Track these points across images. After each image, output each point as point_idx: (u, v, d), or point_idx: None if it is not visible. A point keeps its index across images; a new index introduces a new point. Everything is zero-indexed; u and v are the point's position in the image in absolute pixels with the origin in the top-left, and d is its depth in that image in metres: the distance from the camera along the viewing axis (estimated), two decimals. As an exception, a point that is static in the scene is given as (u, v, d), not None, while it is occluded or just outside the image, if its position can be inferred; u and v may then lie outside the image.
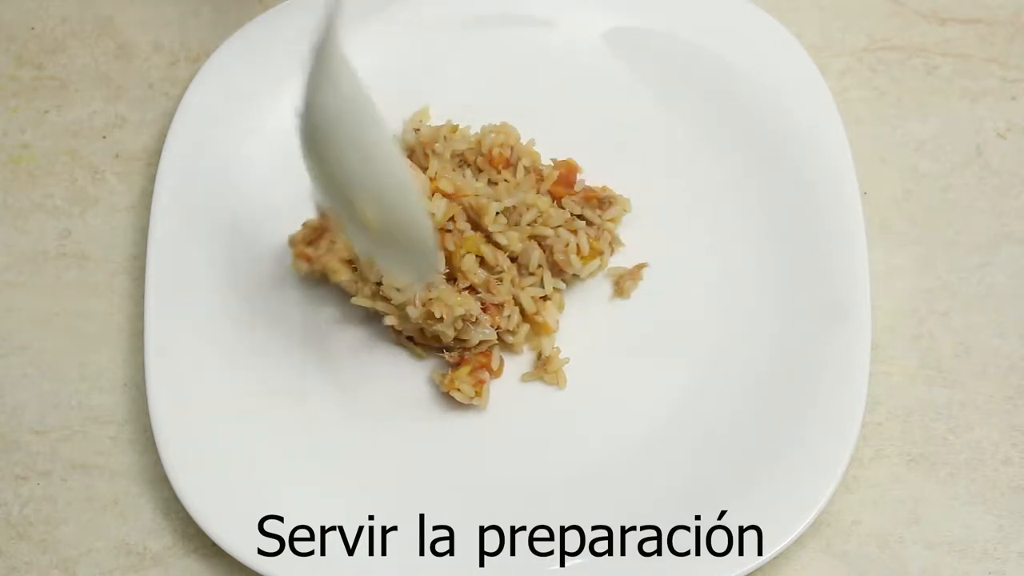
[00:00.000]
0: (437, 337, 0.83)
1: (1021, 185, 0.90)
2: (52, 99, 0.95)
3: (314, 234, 0.85)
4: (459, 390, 0.82)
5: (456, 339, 0.83)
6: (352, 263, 0.84)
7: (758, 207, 0.87)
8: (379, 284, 0.83)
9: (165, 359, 0.83)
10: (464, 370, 0.82)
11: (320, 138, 0.71)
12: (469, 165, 0.88)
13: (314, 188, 0.74)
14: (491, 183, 0.87)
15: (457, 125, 0.89)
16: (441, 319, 0.81)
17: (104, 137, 0.93)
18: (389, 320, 0.83)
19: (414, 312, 0.81)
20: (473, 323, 0.82)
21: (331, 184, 0.73)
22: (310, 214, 0.88)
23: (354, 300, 0.84)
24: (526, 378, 0.85)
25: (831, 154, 0.87)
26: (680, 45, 0.91)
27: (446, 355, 0.84)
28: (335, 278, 0.84)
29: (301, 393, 0.84)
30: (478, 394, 0.82)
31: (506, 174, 0.87)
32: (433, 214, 0.83)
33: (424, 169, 0.87)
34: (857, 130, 0.91)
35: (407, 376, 0.85)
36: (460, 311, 0.81)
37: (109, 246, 0.90)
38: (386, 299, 0.83)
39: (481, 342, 0.83)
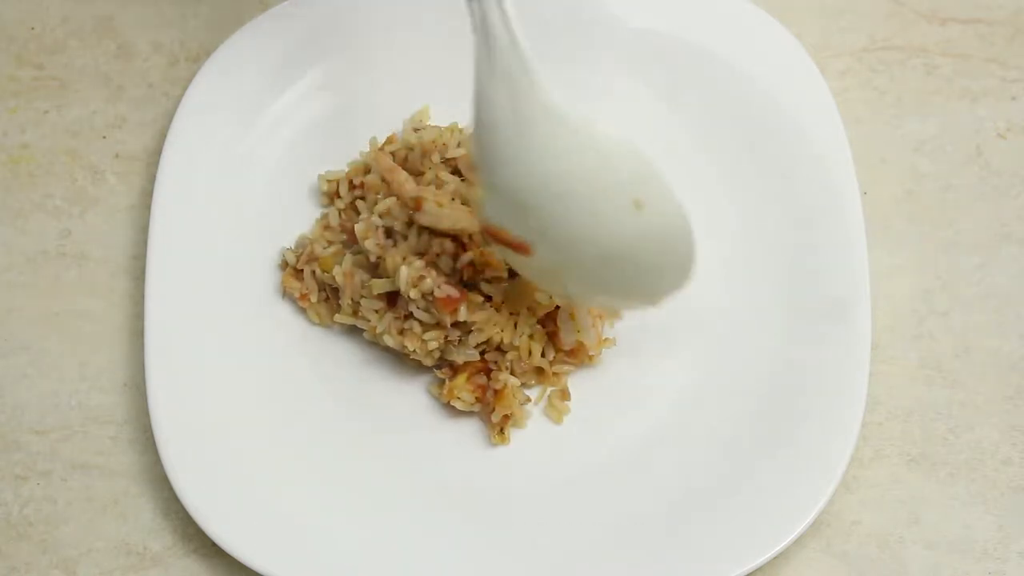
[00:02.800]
0: None
1: (1021, 185, 0.90)
2: (52, 99, 0.95)
3: (303, 260, 0.85)
4: (459, 399, 0.82)
5: (442, 358, 0.83)
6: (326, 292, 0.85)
7: (758, 207, 0.87)
8: (359, 303, 0.83)
9: (165, 359, 0.83)
10: (461, 378, 0.82)
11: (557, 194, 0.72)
12: (460, 174, 0.87)
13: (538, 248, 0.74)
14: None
15: (464, 128, 0.88)
16: (415, 351, 0.82)
17: (104, 137, 0.93)
18: (368, 336, 0.84)
19: (390, 341, 0.82)
20: (456, 345, 0.82)
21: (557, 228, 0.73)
22: (308, 214, 0.89)
23: (337, 318, 0.84)
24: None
25: (831, 154, 0.87)
26: (680, 45, 0.91)
27: (436, 372, 0.84)
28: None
29: (301, 393, 0.84)
30: (479, 400, 0.82)
31: None
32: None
33: (420, 174, 0.86)
34: (857, 130, 0.91)
35: (408, 375, 0.85)
36: (434, 344, 0.81)
37: (109, 246, 0.90)
38: (366, 319, 0.83)
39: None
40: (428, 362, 0.82)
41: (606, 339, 0.84)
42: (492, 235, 0.75)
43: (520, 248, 0.74)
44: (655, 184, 0.72)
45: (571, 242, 0.73)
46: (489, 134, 0.72)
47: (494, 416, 0.82)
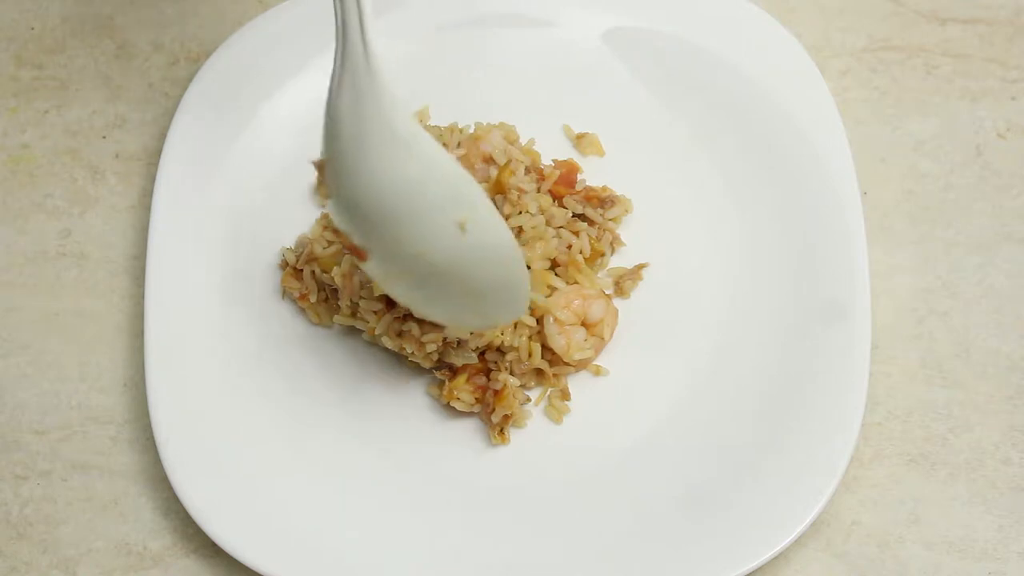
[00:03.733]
0: None
1: (1021, 185, 0.90)
2: (52, 99, 0.95)
3: (303, 260, 0.85)
4: (459, 399, 0.82)
5: (440, 360, 0.83)
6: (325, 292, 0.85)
7: (758, 207, 0.87)
8: (357, 304, 0.83)
9: (165, 359, 0.83)
10: (461, 379, 0.82)
11: (396, 205, 0.72)
12: None
13: (377, 258, 0.74)
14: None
15: (464, 128, 0.88)
16: (413, 353, 0.82)
17: (104, 137, 0.93)
18: (368, 337, 0.84)
19: (388, 343, 0.82)
20: (455, 348, 0.82)
21: (394, 243, 0.73)
22: (308, 214, 0.89)
23: (336, 319, 0.84)
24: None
25: (831, 154, 0.87)
26: (680, 45, 0.91)
27: (435, 373, 0.83)
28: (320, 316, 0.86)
29: (301, 393, 0.84)
30: (479, 400, 0.82)
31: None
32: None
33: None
34: (857, 130, 0.91)
35: (407, 376, 0.85)
36: (432, 347, 0.81)
37: (109, 246, 0.90)
38: (365, 320, 0.83)
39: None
40: (426, 364, 0.82)
41: (596, 365, 0.84)
42: (336, 235, 0.77)
43: (356, 253, 0.75)
44: (479, 208, 0.72)
45: (399, 255, 0.74)
46: (333, 138, 0.72)
47: (494, 416, 0.82)
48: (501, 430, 0.82)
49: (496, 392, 0.82)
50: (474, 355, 0.82)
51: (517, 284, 0.75)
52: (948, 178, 0.91)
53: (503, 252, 0.74)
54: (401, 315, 0.81)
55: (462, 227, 0.72)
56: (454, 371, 0.82)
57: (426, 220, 0.72)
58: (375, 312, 0.82)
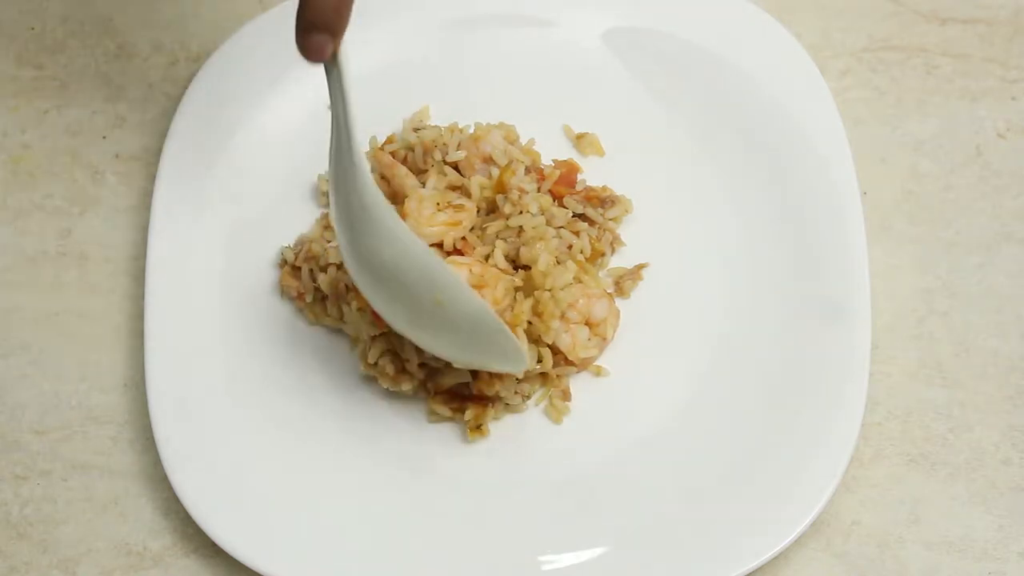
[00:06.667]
0: None
1: (1021, 185, 0.90)
2: (52, 99, 0.95)
3: (301, 258, 0.85)
4: (436, 414, 0.83)
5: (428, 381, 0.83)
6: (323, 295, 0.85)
7: (758, 207, 0.87)
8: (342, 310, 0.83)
9: (165, 359, 0.83)
10: (438, 398, 0.83)
11: (385, 276, 0.76)
12: (461, 173, 0.87)
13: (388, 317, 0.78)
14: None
15: (464, 128, 0.88)
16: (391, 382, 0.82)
17: (104, 137, 0.94)
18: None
19: (362, 367, 0.82)
20: (444, 370, 0.82)
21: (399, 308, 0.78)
22: (308, 214, 0.89)
23: (326, 322, 0.85)
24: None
25: (831, 154, 0.87)
26: (680, 45, 0.91)
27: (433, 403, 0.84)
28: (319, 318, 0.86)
29: (301, 393, 0.84)
30: (455, 410, 0.82)
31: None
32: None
33: (421, 173, 0.87)
34: (857, 130, 0.91)
35: (407, 376, 0.85)
36: (407, 387, 0.81)
37: (109, 246, 0.90)
38: (350, 324, 0.83)
39: None
40: (392, 387, 0.82)
41: (597, 366, 0.84)
42: (357, 297, 0.81)
43: (376, 319, 0.79)
44: (450, 283, 0.75)
45: (403, 322, 0.77)
46: (335, 219, 0.77)
47: (467, 414, 0.81)
48: (479, 425, 0.82)
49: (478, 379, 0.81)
50: (468, 375, 0.82)
51: (499, 340, 0.77)
52: (948, 178, 0.91)
53: (477, 315, 0.76)
54: (384, 346, 0.82)
55: (439, 302, 0.75)
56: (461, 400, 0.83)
57: (412, 295, 0.76)
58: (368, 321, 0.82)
